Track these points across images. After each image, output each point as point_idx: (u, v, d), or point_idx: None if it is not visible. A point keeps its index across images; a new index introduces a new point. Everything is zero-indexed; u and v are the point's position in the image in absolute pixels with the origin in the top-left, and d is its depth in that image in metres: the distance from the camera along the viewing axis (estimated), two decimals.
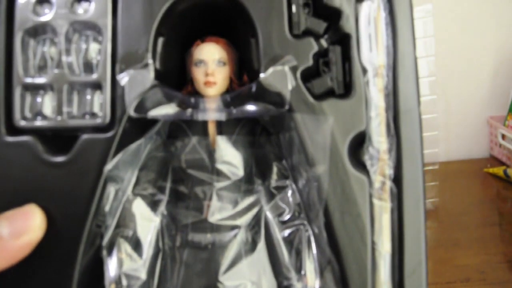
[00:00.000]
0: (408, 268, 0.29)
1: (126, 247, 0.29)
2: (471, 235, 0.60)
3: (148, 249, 0.30)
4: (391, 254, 0.29)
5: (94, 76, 0.28)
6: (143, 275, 0.29)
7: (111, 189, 0.29)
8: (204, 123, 0.31)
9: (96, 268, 0.29)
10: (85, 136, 0.28)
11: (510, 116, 0.82)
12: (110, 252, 0.29)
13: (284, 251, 0.30)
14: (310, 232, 0.30)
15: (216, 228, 0.30)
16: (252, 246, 0.30)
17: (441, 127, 0.67)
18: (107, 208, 0.29)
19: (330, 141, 0.29)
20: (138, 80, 0.28)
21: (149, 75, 0.28)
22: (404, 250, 0.29)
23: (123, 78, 0.28)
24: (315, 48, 0.29)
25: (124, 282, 0.29)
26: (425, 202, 0.30)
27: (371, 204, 0.29)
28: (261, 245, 0.30)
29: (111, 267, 0.29)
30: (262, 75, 0.29)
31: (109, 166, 0.28)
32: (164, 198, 0.31)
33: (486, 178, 0.77)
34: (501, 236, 0.61)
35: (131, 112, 0.28)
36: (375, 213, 0.29)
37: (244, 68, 0.33)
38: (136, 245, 0.29)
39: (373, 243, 0.29)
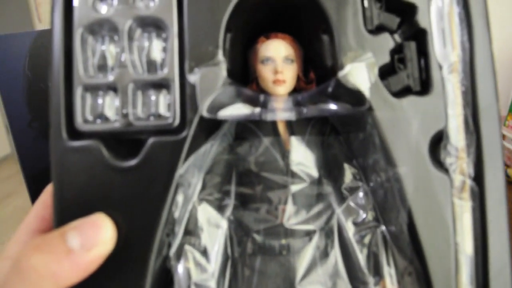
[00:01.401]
0: (493, 269, 0.28)
1: (194, 255, 0.28)
2: None
3: (216, 256, 0.28)
4: (474, 255, 0.28)
5: (162, 74, 0.26)
6: (213, 285, 0.28)
7: (180, 195, 0.27)
8: (274, 124, 0.30)
9: (165, 278, 0.28)
10: (153, 139, 0.26)
11: (510, 116, 0.83)
12: (178, 262, 0.28)
13: (359, 255, 0.28)
14: (386, 233, 0.29)
15: (290, 233, 0.29)
16: (326, 251, 0.29)
17: None
18: (176, 214, 0.27)
19: (409, 138, 0.28)
20: (210, 79, 0.26)
21: (222, 73, 0.27)
22: (488, 251, 0.28)
23: (194, 77, 0.26)
24: (392, 44, 0.28)
25: None
26: (507, 201, 0.29)
27: (452, 204, 0.28)
28: (335, 249, 0.29)
29: (180, 278, 0.28)
30: (340, 73, 0.27)
31: (181, 171, 0.26)
32: (231, 202, 0.30)
33: None
34: None
35: (204, 112, 0.26)
36: (456, 212, 0.28)
37: (310, 65, 0.32)
38: (205, 252, 0.28)
39: (456, 243, 0.28)
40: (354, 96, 0.27)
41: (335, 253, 0.29)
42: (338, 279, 0.29)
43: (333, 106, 0.28)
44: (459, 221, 0.28)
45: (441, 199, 0.28)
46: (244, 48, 0.31)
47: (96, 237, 0.24)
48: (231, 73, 0.28)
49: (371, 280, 0.28)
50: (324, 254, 0.29)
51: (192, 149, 0.27)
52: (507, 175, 0.75)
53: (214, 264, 0.28)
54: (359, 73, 0.28)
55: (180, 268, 0.27)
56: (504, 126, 0.81)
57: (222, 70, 0.26)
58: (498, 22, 0.85)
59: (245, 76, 0.32)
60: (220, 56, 0.27)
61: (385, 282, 0.28)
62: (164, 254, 0.27)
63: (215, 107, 0.27)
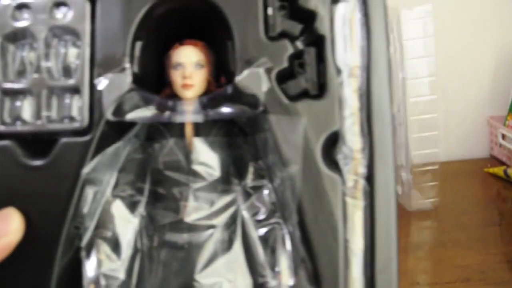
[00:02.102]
0: (379, 265, 0.30)
1: (104, 248, 0.30)
2: (471, 235, 0.60)
3: (126, 249, 0.30)
4: (363, 251, 0.30)
5: (72, 80, 0.29)
6: (121, 275, 0.30)
7: (89, 192, 0.29)
8: (182, 125, 0.32)
9: (75, 269, 0.30)
10: (63, 140, 0.29)
11: (510, 116, 0.82)
12: (88, 253, 0.30)
13: (260, 250, 0.30)
14: (285, 230, 0.30)
15: (192, 228, 0.31)
16: (228, 245, 0.31)
17: (441, 127, 0.67)
18: (85, 210, 0.29)
19: (303, 140, 0.30)
20: (115, 84, 0.29)
21: (127, 79, 0.29)
22: (375, 247, 0.30)
23: (101, 82, 0.29)
24: (290, 50, 0.30)
25: (103, 282, 0.30)
26: (396, 201, 0.31)
27: (344, 202, 0.30)
28: (238, 244, 0.31)
29: (90, 268, 0.30)
30: (237, 77, 0.29)
31: (86, 169, 0.29)
32: (143, 199, 0.31)
33: (486, 178, 0.77)
34: (501, 236, 0.61)
35: (108, 115, 0.29)
36: (348, 211, 0.30)
37: (221, 71, 0.33)
38: (115, 246, 0.30)
39: (345, 240, 0.30)
40: (250, 100, 0.30)
41: (237, 248, 0.31)
42: (238, 272, 0.31)
43: (230, 109, 0.30)
44: (350, 219, 0.30)
45: (331, 198, 0.30)
46: (161, 55, 0.33)
47: (5, 228, 0.26)
48: (143, 79, 0.31)
49: (269, 273, 0.30)
50: (226, 248, 0.31)
51: (102, 149, 0.29)
52: (507, 175, 0.73)
53: (123, 256, 0.30)
54: (254, 78, 0.29)
55: (90, 259, 0.29)
56: (504, 126, 0.80)
57: (127, 76, 0.29)
58: (498, 23, 0.83)
59: (163, 81, 0.34)
60: (126, 63, 0.29)
61: (281, 275, 0.30)
62: (76, 245, 0.29)
63: (121, 111, 0.29)
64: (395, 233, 0.31)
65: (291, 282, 0.30)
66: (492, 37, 0.84)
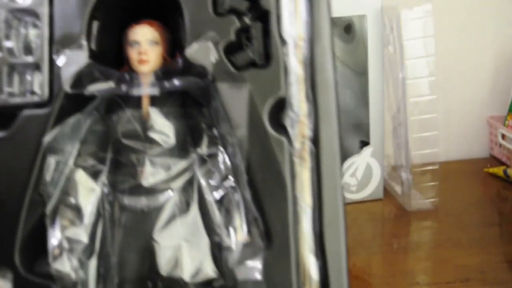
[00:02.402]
0: (327, 220, 0.32)
1: (68, 214, 0.32)
2: (471, 235, 0.60)
3: (89, 215, 0.32)
4: (312, 208, 0.33)
5: (33, 58, 0.32)
6: (84, 239, 0.32)
7: (51, 160, 0.32)
8: (139, 98, 0.34)
9: (40, 234, 0.32)
10: (25, 113, 0.32)
11: (510, 116, 0.82)
12: (53, 219, 0.32)
13: (216, 212, 0.33)
14: (238, 193, 0.33)
15: (150, 192, 0.33)
16: (185, 208, 0.34)
17: (441, 127, 0.67)
18: (48, 177, 0.32)
19: (249, 106, 0.32)
20: (73, 60, 0.32)
21: (83, 55, 0.32)
22: (323, 204, 0.32)
23: (60, 59, 0.32)
24: (237, 24, 0.33)
25: (66, 245, 0.32)
26: (341, 161, 0.33)
27: (292, 163, 0.32)
28: (194, 207, 0.33)
29: (54, 233, 0.32)
30: (186, 50, 0.33)
31: (48, 137, 0.31)
32: (105, 168, 0.34)
33: (486, 178, 0.77)
34: (501, 236, 0.61)
35: (67, 88, 0.32)
36: (296, 170, 0.32)
37: (176, 48, 0.36)
38: (78, 212, 0.32)
39: (295, 198, 0.32)
40: (199, 71, 0.32)
41: (194, 210, 0.33)
42: (195, 233, 0.33)
43: (182, 81, 0.33)
44: (298, 178, 0.32)
45: (279, 159, 0.32)
46: (118, 35, 0.35)
47: None
48: (101, 56, 0.34)
49: (224, 232, 0.33)
50: (184, 211, 0.33)
51: (61, 120, 0.32)
52: (507, 175, 0.73)
53: (86, 221, 0.32)
54: (203, 50, 0.32)
55: (54, 225, 0.32)
56: (504, 126, 0.80)
57: (84, 52, 0.32)
58: (498, 23, 0.83)
59: (122, 58, 0.36)
60: (83, 40, 0.32)
61: (236, 234, 0.33)
62: (40, 212, 0.32)
63: (79, 84, 0.32)
64: (340, 190, 0.33)
65: (245, 240, 0.33)
66: (492, 37, 0.84)
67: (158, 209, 0.33)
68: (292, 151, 0.32)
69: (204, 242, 0.33)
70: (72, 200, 0.32)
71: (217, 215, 0.33)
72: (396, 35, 0.65)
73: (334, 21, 0.65)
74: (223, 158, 0.33)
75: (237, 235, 0.33)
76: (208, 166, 0.34)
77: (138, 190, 0.33)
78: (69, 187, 0.33)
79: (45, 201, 0.32)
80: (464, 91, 0.86)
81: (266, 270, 0.33)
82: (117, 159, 0.34)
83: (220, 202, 0.33)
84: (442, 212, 0.66)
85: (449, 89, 0.82)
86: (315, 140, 0.33)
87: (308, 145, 0.33)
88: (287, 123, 0.33)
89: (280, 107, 0.33)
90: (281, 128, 0.33)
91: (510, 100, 0.82)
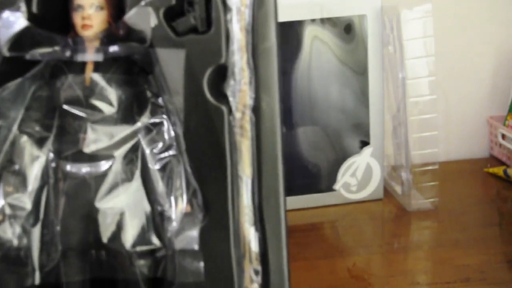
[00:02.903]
0: (265, 191, 0.32)
1: (12, 180, 0.32)
2: (471, 235, 0.60)
3: (33, 182, 0.32)
4: (251, 179, 0.32)
5: None
6: (28, 206, 0.32)
7: None
8: (83, 64, 0.34)
9: None
10: None
11: (510, 116, 0.81)
12: None
13: (159, 181, 0.33)
14: (181, 163, 0.33)
15: (92, 159, 0.33)
16: (129, 177, 0.34)
17: (441, 127, 0.67)
18: None
19: (187, 73, 0.32)
20: (10, 22, 0.31)
21: (22, 17, 0.31)
22: (262, 174, 0.32)
23: None
24: None
25: (8, 211, 0.32)
26: (282, 131, 0.33)
27: (231, 133, 0.32)
28: (137, 176, 0.34)
29: None
30: (126, 15, 0.32)
31: None
32: (50, 135, 0.34)
33: (486, 178, 0.77)
34: (501, 236, 0.61)
35: (4, 52, 0.31)
36: (236, 140, 0.32)
37: (122, 14, 0.36)
38: (22, 179, 0.32)
39: (234, 168, 0.32)
40: (138, 36, 0.32)
41: (137, 179, 0.33)
42: (138, 201, 0.33)
43: (121, 46, 0.33)
44: (238, 148, 0.32)
45: (218, 128, 0.32)
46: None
47: None
48: (45, 20, 0.33)
49: (167, 201, 0.33)
50: (127, 179, 0.34)
51: (1, 85, 0.32)
52: (507, 175, 0.73)
53: (30, 188, 0.32)
54: (143, 15, 0.32)
55: None
56: (504, 126, 0.80)
57: (22, 14, 0.31)
58: (498, 23, 0.83)
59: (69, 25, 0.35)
60: (21, 2, 0.31)
61: (177, 204, 0.33)
62: None
63: (19, 48, 0.31)
64: (280, 161, 0.33)
65: (185, 210, 0.33)
66: (492, 37, 0.84)
67: (100, 177, 0.33)
68: (232, 121, 0.32)
69: (147, 211, 0.33)
70: (16, 166, 0.33)
71: (160, 185, 0.33)
72: (396, 35, 0.65)
73: (334, 21, 0.66)
74: (167, 127, 0.34)
75: (177, 205, 0.33)
76: (152, 135, 0.34)
77: (81, 157, 0.33)
78: (13, 154, 0.33)
79: None
80: (464, 91, 0.86)
81: (204, 241, 0.33)
82: (62, 126, 0.34)
83: (162, 171, 0.33)
84: (442, 212, 0.66)
85: (449, 89, 0.82)
86: (256, 110, 0.32)
87: (248, 114, 0.32)
88: (228, 91, 0.32)
89: (221, 75, 0.33)
90: (221, 97, 0.33)
91: (510, 100, 0.82)
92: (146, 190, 0.34)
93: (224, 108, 0.32)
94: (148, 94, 0.34)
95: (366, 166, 0.69)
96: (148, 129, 0.34)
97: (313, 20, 0.65)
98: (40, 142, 0.33)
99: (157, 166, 0.33)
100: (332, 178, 0.70)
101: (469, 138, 0.87)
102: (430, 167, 0.65)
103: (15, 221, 0.32)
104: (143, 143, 0.34)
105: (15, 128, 0.33)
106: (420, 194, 0.66)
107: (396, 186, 0.71)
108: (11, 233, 0.32)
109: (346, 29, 0.67)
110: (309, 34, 0.66)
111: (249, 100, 0.32)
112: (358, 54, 0.67)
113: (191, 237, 0.33)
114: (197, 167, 0.33)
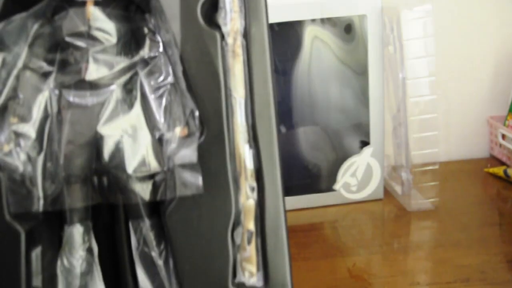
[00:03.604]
0: (258, 110, 0.35)
1: (17, 110, 0.34)
2: (471, 235, 0.60)
3: (37, 112, 0.34)
4: (245, 99, 0.35)
5: None
6: (32, 134, 0.34)
7: None
8: (83, 3, 0.35)
9: None
10: None
11: (510, 116, 0.82)
12: (2, 116, 0.34)
13: (157, 108, 0.35)
14: (178, 91, 0.36)
15: (94, 87, 0.35)
16: (129, 105, 0.36)
17: (441, 127, 0.67)
18: None
19: (186, 5, 0.34)
20: None
21: None
22: (254, 95, 0.35)
23: None
24: None
25: (14, 140, 0.34)
26: (271, 55, 0.35)
27: (224, 56, 0.35)
28: (137, 104, 0.36)
29: (3, 129, 0.34)
30: None
31: None
32: (53, 69, 0.35)
33: (486, 178, 0.77)
34: (501, 236, 0.61)
35: None
36: (229, 63, 0.35)
37: None
38: (27, 109, 0.34)
39: (228, 89, 0.35)
40: None
41: (137, 107, 0.35)
42: (138, 128, 0.35)
43: None
44: (231, 71, 0.35)
45: (212, 51, 0.34)
46: None
47: None
48: None
49: (164, 127, 0.35)
50: (128, 107, 0.36)
51: (4, 18, 0.33)
52: (507, 175, 0.73)
53: (34, 117, 0.34)
54: None
55: (3, 121, 0.34)
56: (504, 126, 0.80)
57: None
58: (498, 23, 0.83)
59: None
60: None
61: (175, 128, 0.35)
62: None
63: None
64: (271, 82, 0.35)
65: (184, 133, 0.35)
66: (492, 37, 0.84)
67: (102, 104, 0.35)
68: (225, 46, 0.35)
69: (147, 137, 0.35)
70: (21, 98, 0.34)
71: (158, 112, 0.35)
72: (396, 35, 0.65)
73: (334, 21, 0.66)
74: (163, 60, 0.36)
75: (176, 129, 0.35)
76: (150, 67, 0.36)
77: (83, 85, 0.35)
78: (18, 87, 0.34)
79: None
80: (464, 91, 0.86)
81: (202, 158, 0.35)
82: (64, 59, 0.35)
83: (160, 99, 0.35)
84: (442, 212, 0.66)
85: (449, 89, 0.82)
86: (246, 35, 0.35)
87: (240, 40, 0.35)
88: (220, 21, 0.35)
89: (213, 5, 0.35)
90: (214, 25, 0.35)
91: (510, 100, 0.82)
92: (145, 118, 0.35)
93: (217, 34, 0.35)
94: (145, 30, 0.36)
95: (366, 166, 0.69)
96: (146, 62, 0.36)
97: (313, 20, 0.65)
98: (43, 76, 0.35)
99: (156, 95, 0.35)
100: (332, 178, 0.70)
101: (469, 138, 0.87)
102: (430, 167, 0.65)
103: (20, 149, 0.34)
104: (142, 75, 0.36)
105: (20, 64, 0.34)
106: (420, 194, 0.66)
107: (396, 186, 0.71)
108: (17, 159, 0.34)
109: (346, 29, 0.67)
110: (309, 34, 0.66)
111: (239, 27, 0.35)
112: (358, 54, 0.67)
113: (189, 152, 0.35)
114: (193, 88, 0.35)
